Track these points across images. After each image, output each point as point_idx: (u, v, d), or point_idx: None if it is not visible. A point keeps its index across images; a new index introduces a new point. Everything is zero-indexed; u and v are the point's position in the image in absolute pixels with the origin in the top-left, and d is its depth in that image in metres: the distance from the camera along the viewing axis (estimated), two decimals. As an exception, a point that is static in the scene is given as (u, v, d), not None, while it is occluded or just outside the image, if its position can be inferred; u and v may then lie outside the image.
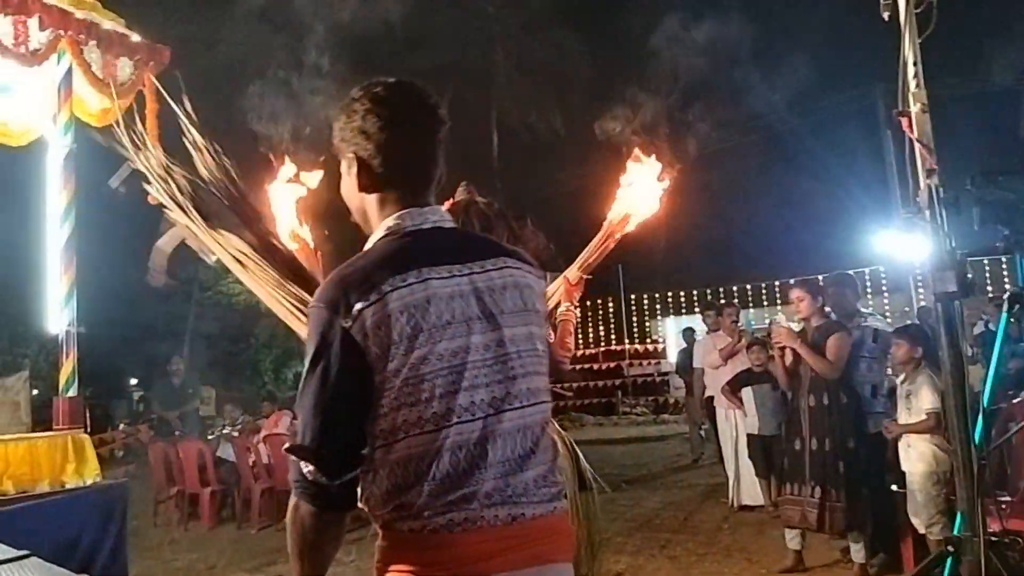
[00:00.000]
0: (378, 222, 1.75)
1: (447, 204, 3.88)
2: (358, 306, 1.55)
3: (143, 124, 6.51)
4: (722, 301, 14.06)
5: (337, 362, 1.55)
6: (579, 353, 20.69)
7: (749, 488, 7.74)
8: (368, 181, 1.74)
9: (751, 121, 22.04)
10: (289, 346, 20.59)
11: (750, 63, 21.42)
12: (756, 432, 7.36)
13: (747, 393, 7.43)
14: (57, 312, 5.90)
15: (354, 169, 1.74)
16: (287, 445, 1.62)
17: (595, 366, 20.47)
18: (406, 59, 21.66)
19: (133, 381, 23.13)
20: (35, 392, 12.10)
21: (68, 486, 5.57)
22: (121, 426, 16.40)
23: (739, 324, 8.37)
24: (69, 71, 6.07)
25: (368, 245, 1.73)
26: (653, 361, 20.44)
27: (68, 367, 5.84)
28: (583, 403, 18.93)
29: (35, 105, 6.44)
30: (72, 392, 5.84)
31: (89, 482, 5.67)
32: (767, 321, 17.37)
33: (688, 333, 11.67)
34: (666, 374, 19.29)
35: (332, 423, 1.57)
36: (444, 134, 1.76)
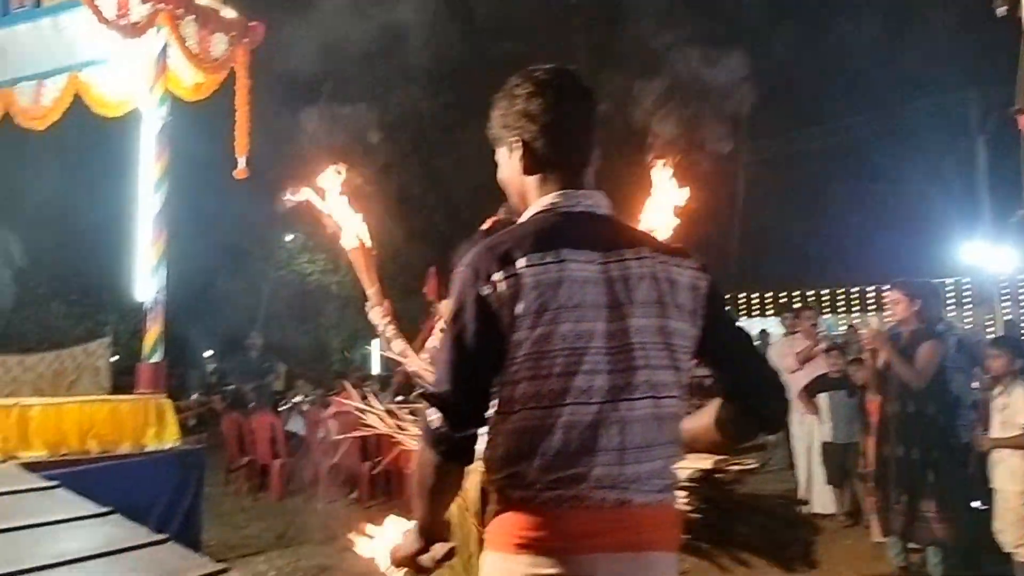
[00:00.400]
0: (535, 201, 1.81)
1: (487, 223, 3.93)
2: (496, 276, 1.63)
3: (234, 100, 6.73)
4: (796, 305, 13.77)
5: (472, 324, 1.63)
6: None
7: (821, 496, 7.55)
8: (531, 163, 1.79)
9: (832, 123, 21.55)
10: (356, 328, 20.87)
11: (834, 65, 20.99)
12: (830, 439, 7.18)
13: (823, 399, 7.24)
14: (146, 280, 6.06)
15: (517, 153, 1.80)
16: (420, 391, 1.69)
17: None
18: (485, 49, 21.72)
19: (207, 353, 23.71)
20: (115, 359, 12.51)
21: (148, 449, 5.74)
22: (194, 396, 16.82)
23: (817, 328, 8.15)
24: (166, 45, 6.23)
25: (521, 220, 1.80)
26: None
27: (154, 333, 6.00)
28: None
29: (132, 77, 6.62)
30: (156, 358, 6.00)
31: (168, 446, 5.83)
32: (841, 327, 17.00)
33: (762, 335, 11.45)
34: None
35: (461, 379, 1.65)
36: (598, 118, 1.82)
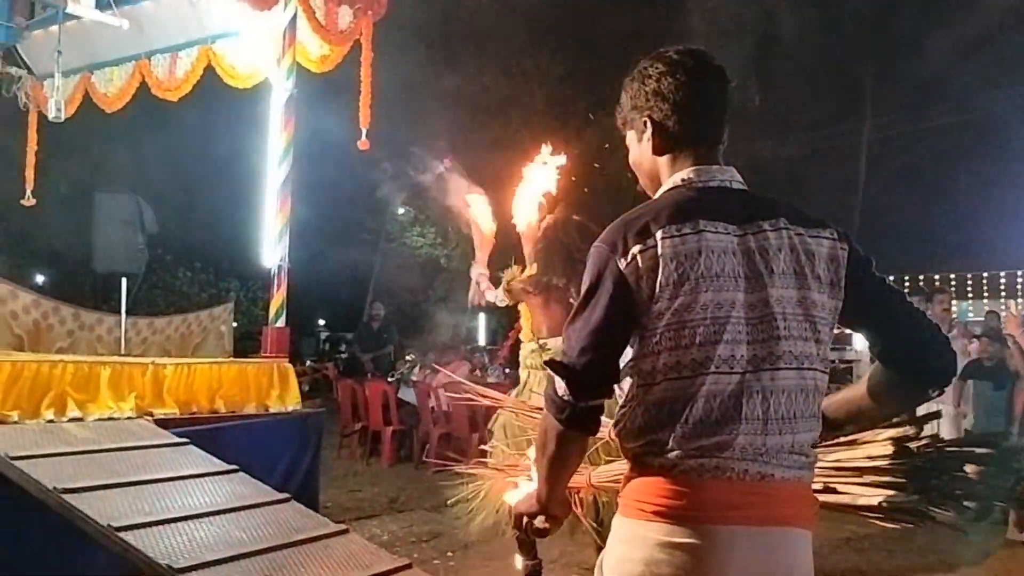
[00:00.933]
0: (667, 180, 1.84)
1: (544, 222, 4.28)
2: (634, 249, 1.64)
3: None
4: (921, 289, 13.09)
5: (607, 297, 1.65)
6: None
7: (946, 489, 7.21)
8: (662, 142, 1.80)
9: (964, 98, 20.42)
10: (464, 301, 21.04)
11: (965, 36, 19.83)
12: (970, 429, 6.86)
13: (970, 386, 6.89)
14: (272, 247, 6.23)
15: (648, 132, 1.81)
16: (547, 359, 1.75)
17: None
18: (602, 22, 21.42)
19: (320, 322, 24.44)
20: (234, 324, 13.02)
21: (272, 410, 5.91)
22: (308, 362, 17.38)
23: (952, 313, 7.74)
24: (294, 17, 6.35)
25: (655, 197, 1.82)
26: (836, 347, 19.44)
27: (278, 299, 6.18)
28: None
29: (261, 49, 6.76)
30: (280, 323, 6.17)
31: (290, 409, 6.00)
32: (969, 313, 16.16)
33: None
34: (850, 362, 18.34)
35: (590, 350, 1.66)
36: (730, 95, 1.82)
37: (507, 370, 11.70)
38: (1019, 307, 6.25)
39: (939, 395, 1.79)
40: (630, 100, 1.84)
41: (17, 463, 4.03)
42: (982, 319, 12.53)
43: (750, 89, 21.98)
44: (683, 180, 1.76)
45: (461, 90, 17.31)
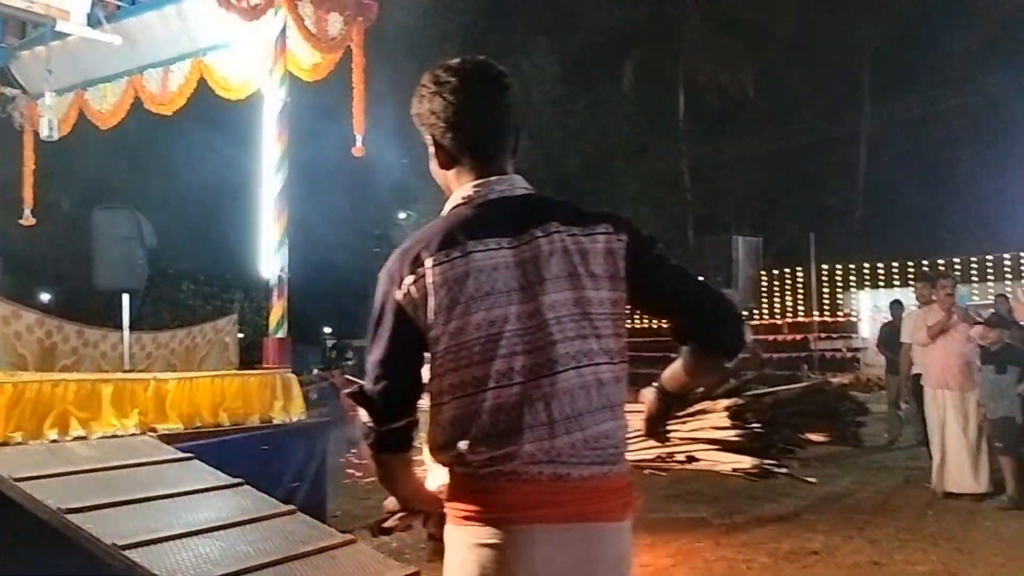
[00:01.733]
0: None
1: None
2: (408, 280, 1.71)
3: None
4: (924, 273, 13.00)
5: (389, 328, 1.74)
6: (762, 323, 19.94)
7: (955, 474, 7.18)
8: (445, 158, 1.85)
9: (966, 82, 20.33)
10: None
11: (969, 16, 19.74)
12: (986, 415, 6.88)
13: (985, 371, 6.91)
14: (270, 258, 6.22)
15: (432, 150, 1.87)
16: (347, 391, 1.81)
17: (778, 338, 19.62)
18: (595, 17, 21.40)
19: (327, 329, 24.42)
20: (240, 336, 13.01)
21: (276, 422, 5.91)
22: (315, 371, 17.38)
23: (953, 297, 7.65)
24: (284, 26, 6.35)
25: (441, 214, 1.87)
26: (843, 336, 19.39)
27: (279, 310, 6.17)
28: (764, 375, 18.12)
29: (252, 60, 6.77)
30: (282, 333, 6.16)
31: (295, 419, 5.99)
32: (975, 297, 16.07)
33: (896, 306, 10.89)
34: (856, 350, 18.26)
35: (383, 378, 1.75)
36: (512, 101, 1.85)
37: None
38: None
39: (733, 364, 1.86)
40: (415, 118, 1.87)
41: (21, 484, 4.03)
42: (987, 302, 12.48)
43: (746, 81, 22.00)
44: (464, 198, 1.81)
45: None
